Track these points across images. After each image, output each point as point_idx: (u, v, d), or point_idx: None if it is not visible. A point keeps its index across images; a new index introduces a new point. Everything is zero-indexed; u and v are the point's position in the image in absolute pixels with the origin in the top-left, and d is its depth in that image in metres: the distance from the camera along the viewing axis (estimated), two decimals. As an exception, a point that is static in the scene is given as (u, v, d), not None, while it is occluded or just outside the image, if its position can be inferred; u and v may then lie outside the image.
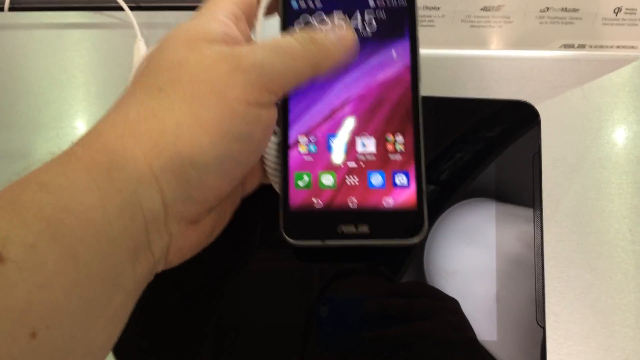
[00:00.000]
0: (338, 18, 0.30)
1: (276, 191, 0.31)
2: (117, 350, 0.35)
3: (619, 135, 0.47)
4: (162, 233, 0.25)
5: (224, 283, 0.36)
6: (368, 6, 0.31)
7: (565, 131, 0.47)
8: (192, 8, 0.53)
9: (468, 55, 0.50)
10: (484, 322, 0.35)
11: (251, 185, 0.32)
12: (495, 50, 0.50)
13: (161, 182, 0.24)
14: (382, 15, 0.31)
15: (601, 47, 0.50)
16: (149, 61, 0.26)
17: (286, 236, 0.29)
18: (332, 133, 0.30)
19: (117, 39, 0.52)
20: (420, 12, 0.49)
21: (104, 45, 0.52)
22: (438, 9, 0.48)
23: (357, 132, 0.30)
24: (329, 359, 0.35)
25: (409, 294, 0.35)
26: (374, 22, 0.31)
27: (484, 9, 0.48)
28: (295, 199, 0.30)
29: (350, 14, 0.31)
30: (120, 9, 0.51)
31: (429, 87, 0.49)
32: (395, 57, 0.31)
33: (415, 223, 0.29)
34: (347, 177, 0.30)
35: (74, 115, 0.50)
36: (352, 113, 0.30)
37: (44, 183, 0.22)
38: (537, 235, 0.36)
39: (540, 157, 0.37)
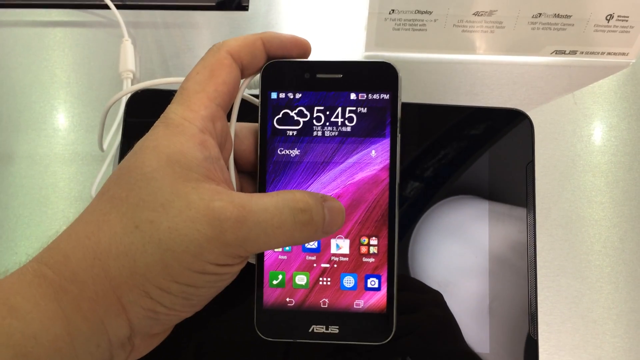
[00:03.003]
0: (333, 201, 0.28)
1: None
2: None
3: (610, 143, 0.47)
4: (126, 346, 0.26)
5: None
6: (349, 103, 0.30)
7: (556, 138, 0.47)
8: (180, 7, 0.52)
9: (459, 60, 0.50)
10: (477, 334, 0.34)
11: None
12: (486, 56, 0.50)
13: (129, 313, 0.24)
14: (364, 112, 0.30)
15: (593, 53, 0.50)
16: (130, 184, 0.25)
17: (259, 333, 0.30)
18: None
19: (103, 38, 0.51)
20: (412, 16, 0.49)
21: (88, 45, 0.51)
22: (430, 13, 0.47)
23: None
24: (314, 351, 0.35)
25: None
26: (355, 119, 0.30)
27: (476, 13, 0.47)
28: (269, 297, 0.30)
29: (331, 110, 0.30)
30: (106, 7, 0.50)
31: (419, 92, 0.49)
32: (374, 157, 0.30)
33: (384, 326, 0.29)
34: (320, 277, 0.30)
35: (57, 116, 0.48)
36: None
37: (14, 307, 0.22)
38: (531, 246, 0.35)
39: (533, 166, 0.36)
